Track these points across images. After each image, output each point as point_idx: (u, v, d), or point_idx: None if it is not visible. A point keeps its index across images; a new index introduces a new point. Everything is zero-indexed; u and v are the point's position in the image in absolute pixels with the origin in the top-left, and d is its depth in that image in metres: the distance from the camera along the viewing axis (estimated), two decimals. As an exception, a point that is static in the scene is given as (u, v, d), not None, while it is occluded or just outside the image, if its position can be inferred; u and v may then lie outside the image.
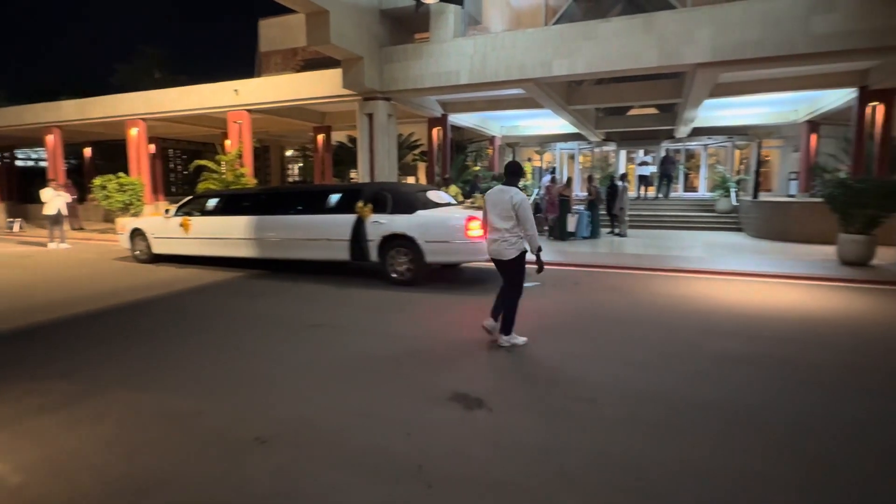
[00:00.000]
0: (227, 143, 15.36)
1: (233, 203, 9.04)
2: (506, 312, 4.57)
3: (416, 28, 12.62)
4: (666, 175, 18.03)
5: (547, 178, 13.50)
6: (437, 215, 7.23)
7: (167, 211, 9.73)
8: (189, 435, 3.06)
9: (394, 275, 7.35)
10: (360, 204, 7.45)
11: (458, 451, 2.84)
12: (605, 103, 15.02)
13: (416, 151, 20.72)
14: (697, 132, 19.46)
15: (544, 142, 22.40)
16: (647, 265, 8.61)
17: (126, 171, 15.64)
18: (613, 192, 13.11)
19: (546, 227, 13.34)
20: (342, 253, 7.61)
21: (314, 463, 2.73)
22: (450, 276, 8.10)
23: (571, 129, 19.34)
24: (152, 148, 18.47)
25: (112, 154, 24.68)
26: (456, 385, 3.73)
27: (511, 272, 4.54)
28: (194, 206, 9.39)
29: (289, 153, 26.11)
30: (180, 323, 5.66)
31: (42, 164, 23.69)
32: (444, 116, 15.39)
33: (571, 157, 23.82)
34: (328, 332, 5.18)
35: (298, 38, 21.57)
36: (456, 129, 18.05)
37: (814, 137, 16.26)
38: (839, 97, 13.29)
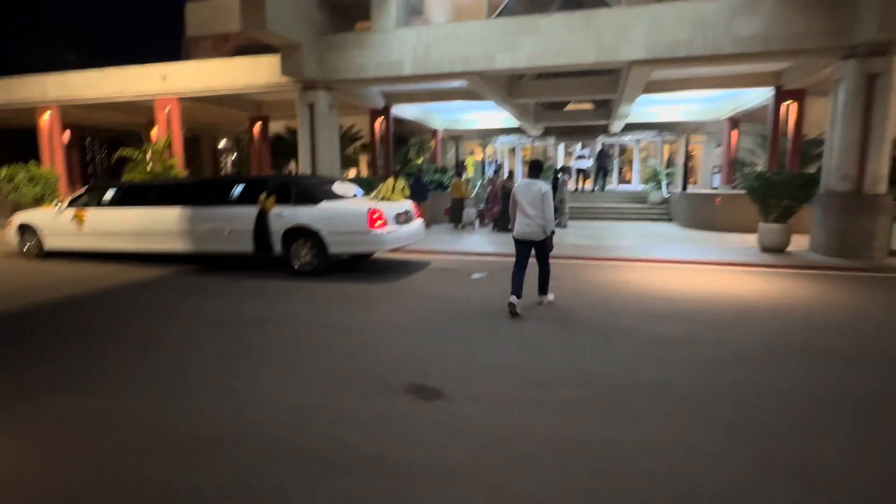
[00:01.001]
0: (154, 131, 14.41)
1: (132, 195, 8.67)
2: (546, 276, 5.73)
3: (357, 16, 12.35)
4: (602, 168, 18.76)
5: (491, 171, 13.69)
6: (340, 207, 7.32)
7: (57, 204, 9.13)
8: (132, 439, 2.85)
9: (297, 266, 7.40)
10: (262, 196, 7.43)
11: (419, 442, 2.82)
12: (545, 97, 15.38)
13: (358, 143, 20.34)
14: (630, 127, 20.35)
15: (486, 135, 22.67)
16: (587, 255, 8.92)
17: (38, 161, 14.32)
18: (555, 185, 13.46)
19: (488, 221, 13.53)
20: (246, 245, 7.55)
21: (269, 460, 2.62)
22: (359, 267, 8.16)
23: (512, 124, 19.69)
24: (67, 136, 17.02)
25: (21, 142, 22.46)
26: (411, 376, 3.70)
27: (545, 249, 5.52)
28: (91, 198, 8.90)
29: (222, 144, 24.89)
30: (111, 323, 5.26)
31: (-65, 153, 21.22)
32: (387, 108, 15.19)
33: (512, 151, 24.27)
34: (271, 327, 4.99)
35: (230, 22, 20.31)
36: (398, 121, 17.87)
37: (734, 133, 17.40)
38: (757, 96, 14.29)
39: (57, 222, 8.92)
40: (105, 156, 23.87)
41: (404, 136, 20.80)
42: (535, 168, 5.63)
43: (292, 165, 22.86)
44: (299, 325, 5.08)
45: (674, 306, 5.70)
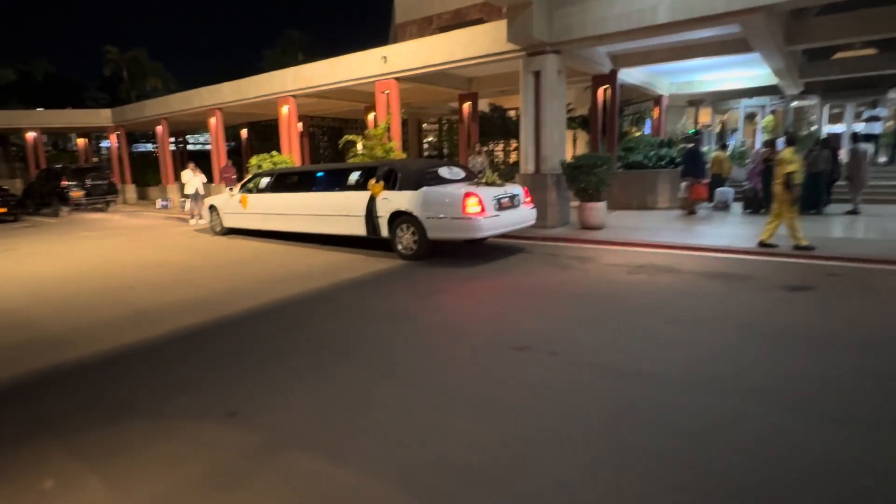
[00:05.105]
0: (370, 116, 14.66)
1: (276, 182, 9.53)
2: None
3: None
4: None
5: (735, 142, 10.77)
6: (437, 191, 7.20)
7: (230, 189, 10.41)
8: None
9: (400, 248, 7.47)
10: (372, 181, 7.69)
11: None
12: (839, 38, 11.55)
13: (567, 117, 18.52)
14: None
15: (722, 99, 18.83)
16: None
17: (278, 150, 15.72)
18: (855, 157, 10.01)
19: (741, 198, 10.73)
20: (360, 228, 7.84)
21: None
22: (472, 252, 7.88)
23: (763, 82, 15.78)
24: (300, 126, 18.60)
25: (265, 134, 25.92)
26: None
27: None
28: (254, 184, 9.91)
29: (425, 126, 25.36)
30: (354, 331, 4.56)
31: (207, 147, 25.62)
32: (614, 73, 13.02)
33: (751, 117, 19.86)
34: (541, 363, 3.71)
35: (434, 4, 20.39)
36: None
37: None
38: None
39: (230, 204, 10.19)
40: (328, 142, 26.15)
41: (619, 106, 18.31)
42: None
43: (490, 145, 22.19)
44: (577, 362, 3.71)
45: None
